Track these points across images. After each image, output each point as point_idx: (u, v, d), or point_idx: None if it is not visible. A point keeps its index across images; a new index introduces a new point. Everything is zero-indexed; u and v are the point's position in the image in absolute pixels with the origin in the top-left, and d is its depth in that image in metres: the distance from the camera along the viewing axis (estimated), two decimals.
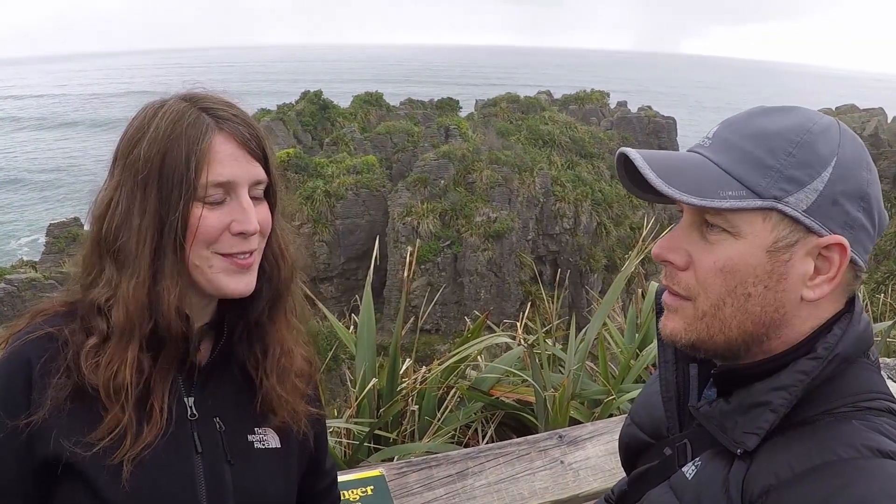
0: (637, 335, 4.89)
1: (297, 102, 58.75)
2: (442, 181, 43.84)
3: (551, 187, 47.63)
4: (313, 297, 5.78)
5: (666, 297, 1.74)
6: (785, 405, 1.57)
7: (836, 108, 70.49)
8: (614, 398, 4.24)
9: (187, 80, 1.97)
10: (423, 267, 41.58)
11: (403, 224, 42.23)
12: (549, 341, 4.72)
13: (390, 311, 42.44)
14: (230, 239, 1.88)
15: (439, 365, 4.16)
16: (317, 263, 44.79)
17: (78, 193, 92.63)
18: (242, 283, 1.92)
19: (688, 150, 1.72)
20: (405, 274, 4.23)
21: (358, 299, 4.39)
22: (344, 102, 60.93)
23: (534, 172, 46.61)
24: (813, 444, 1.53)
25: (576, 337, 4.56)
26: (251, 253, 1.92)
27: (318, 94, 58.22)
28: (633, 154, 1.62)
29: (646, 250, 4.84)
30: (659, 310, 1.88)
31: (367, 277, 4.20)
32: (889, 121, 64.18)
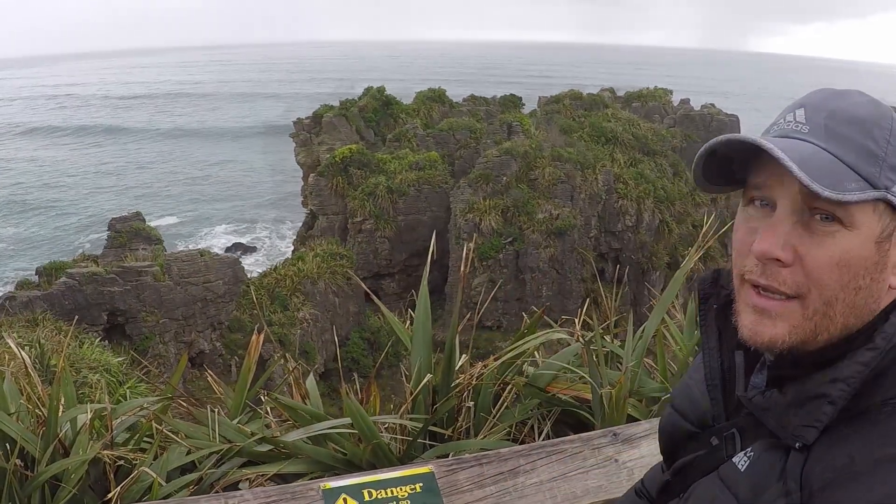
0: (696, 331, 4.78)
1: (359, 98, 58.96)
2: (504, 178, 43.77)
3: (614, 184, 47.40)
4: (369, 292, 5.79)
5: (762, 301, 1.66)
6: (844, 397, 1.53)
7: None
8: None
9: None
10: (485, 263, 41.60)
11: (465, 221, 42.21)
12: (608, 338, 4.65)
13: (451, 307, 42.44)
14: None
15: (495, 361, 4.11)
16: (379, 259, 45.00)
17: (135, 190, 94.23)
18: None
19: (780, 137, 1.67)
20: (462, 269, 4.18)
21: (414, 294, 4.37)
22: (407, 98, 61.07)
23: (596, 169, 46.41)
24: (873, 436, 1.49)
25: (633, 334, 4.49)
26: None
27: (381, 90, 58.40)
28: (767, 145, 1.54)
29: (706, 246, 4.74)
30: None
31: (424, 273, 4.16)
32: None
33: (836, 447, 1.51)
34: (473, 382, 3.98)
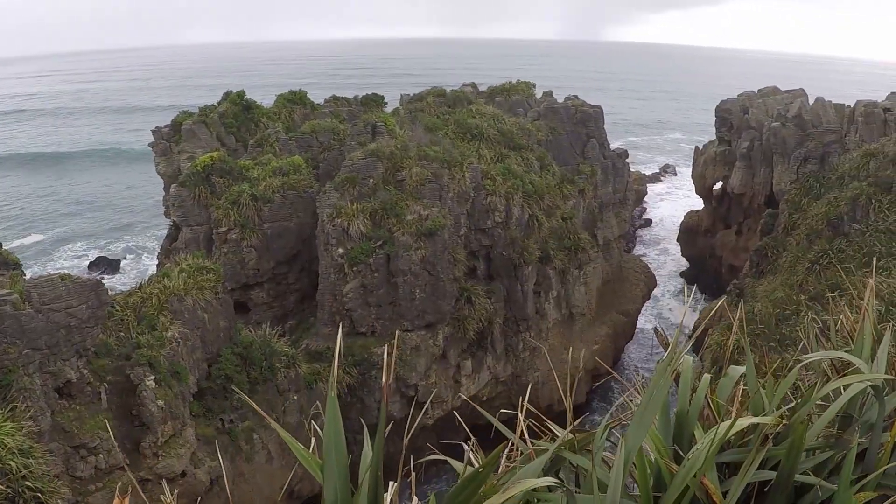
0: (671, 427, 4.02)
1: (219, 104, 57.68)
2: (371, 180, 43.12)
3: (481, 181, 47.20)
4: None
5: None
6: None
7: (759, 91, 71.05)
8: None
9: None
10: (355, 269, 40.93)
11: (333, 226, 41.43)
12: (574, 452, 3.75)
13: (323, 316, 41.74)
14: None
15: None
16: (246, 270, 43.89)
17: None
18: None
19: None
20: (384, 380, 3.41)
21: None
22: (267, 101, 60.17)
23: (463, 167, 46.09)
24: None
25: (602, 436, 3.68)
26: None
27: (241, 94, 57.26)
28: None
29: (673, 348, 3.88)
30: None
31: (331, 383, 3.42)
32: (811, 102, 64.66)
33: None
34: None
